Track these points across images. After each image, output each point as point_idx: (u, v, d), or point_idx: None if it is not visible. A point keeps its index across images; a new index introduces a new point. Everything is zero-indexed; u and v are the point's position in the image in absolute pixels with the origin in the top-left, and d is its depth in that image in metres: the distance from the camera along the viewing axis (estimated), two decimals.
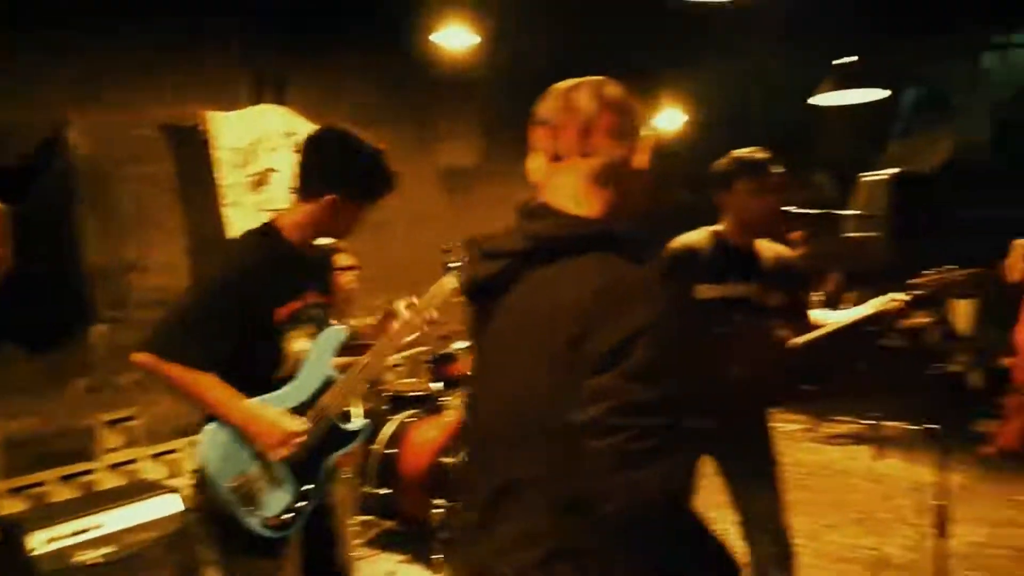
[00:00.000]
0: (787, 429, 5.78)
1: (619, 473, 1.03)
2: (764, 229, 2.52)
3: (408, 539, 3.67)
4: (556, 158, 1.25)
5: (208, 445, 1.93)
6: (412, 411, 3.86)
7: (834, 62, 5.09)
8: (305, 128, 4.29)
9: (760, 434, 2.55)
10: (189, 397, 1.90)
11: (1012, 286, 5.30)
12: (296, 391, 2.02)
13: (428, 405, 3.93)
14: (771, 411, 2.57)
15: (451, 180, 5.76)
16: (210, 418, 1.94)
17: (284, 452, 1.93)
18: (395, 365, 4.11)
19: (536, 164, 1.30)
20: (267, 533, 1.94)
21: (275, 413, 1.94)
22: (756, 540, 2.50)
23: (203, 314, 1.89)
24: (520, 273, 1.23)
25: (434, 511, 3.29)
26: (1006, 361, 5.37)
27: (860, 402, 5.73)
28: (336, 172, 1.99)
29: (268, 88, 4.30)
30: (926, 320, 5.67)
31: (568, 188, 1.26)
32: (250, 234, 2.04)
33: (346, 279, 4.22)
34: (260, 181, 4.02)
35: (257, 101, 4.19)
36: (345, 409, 2.12)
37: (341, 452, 2.10)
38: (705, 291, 2.41)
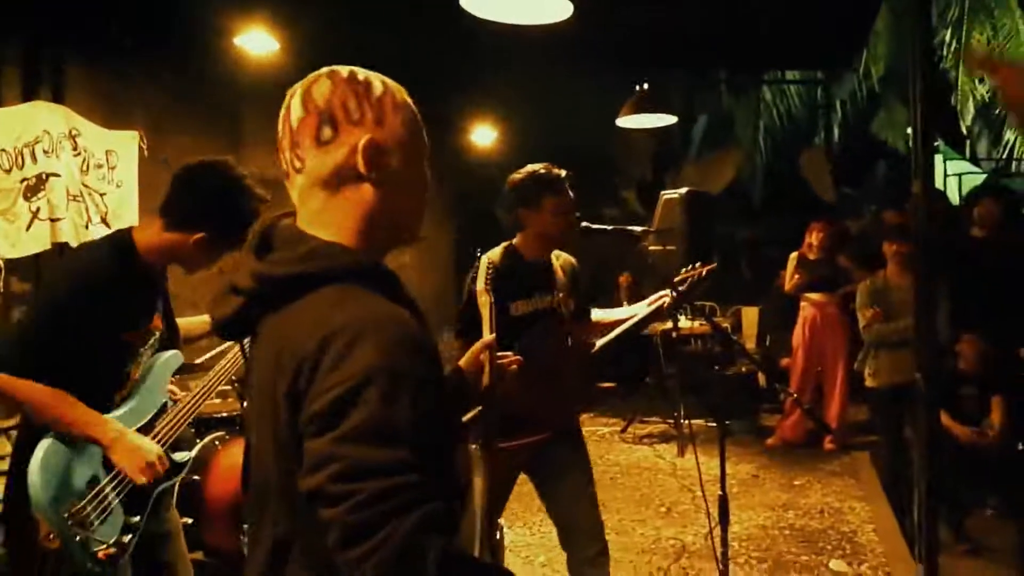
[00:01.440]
0: (601, 432, 6.11)
1: (352, 547, 0.89)
2: (560, 243, 2.63)
3: (216, 571, 3.45)
4: (286, 175, 1.10)
5: (41, 466, 1.74)
6: (217, 434, 3.64)
7: (636, 88, 5.52)
8: (89, 130, 3.94)
9: (573, 439, 2.66)
10: (42, 412, 1.77)
11: (787, 294, 5.98)
12: (133, 415, 1.93)
13: (235, 427, 3.73)
14: (582, 415, 2.69)
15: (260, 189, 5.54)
16: (32, 438, 1.78)
17: (147, 477, 1.84)
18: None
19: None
20: (95, 568, 1.79)
21: (139, 436, 1.86)
22: (572, 542, 2.60)
23: (46, 329, 1.79)
24: (257, 316, 1.06)
25: (244, 539, 3.12)
26: (784, 362, 6.05)
27: (665, 403, 6.17)
28: (213, 214, 1.88)
29: (43, 84, 3.89)
30: (707, 328, 6.22)
31: (301, 210, 1.09)
32: (104, 247, 1.91)
33: None
34: (35, 187, 3.61)
35: (30, 98, 3.77)
36: (175, 438, 2.03)
37: (171, 482, 2.03)
38: (519, 307, 2.50)
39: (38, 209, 3.61)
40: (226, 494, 3.29)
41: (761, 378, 6.81)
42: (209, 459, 3.42)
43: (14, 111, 3.60)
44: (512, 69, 6.04)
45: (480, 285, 2.06)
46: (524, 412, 2.45)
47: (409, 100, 1.14)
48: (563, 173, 2.53)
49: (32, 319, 1.87)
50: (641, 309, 2.78)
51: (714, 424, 6.01)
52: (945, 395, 3.73)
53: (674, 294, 2.67)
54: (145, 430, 1.93)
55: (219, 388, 2.18)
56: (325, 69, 1.10)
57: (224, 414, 3.82)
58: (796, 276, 5.88)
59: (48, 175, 3.66)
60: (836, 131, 9.00)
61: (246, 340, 1.17)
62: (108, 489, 1.84)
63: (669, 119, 5.77)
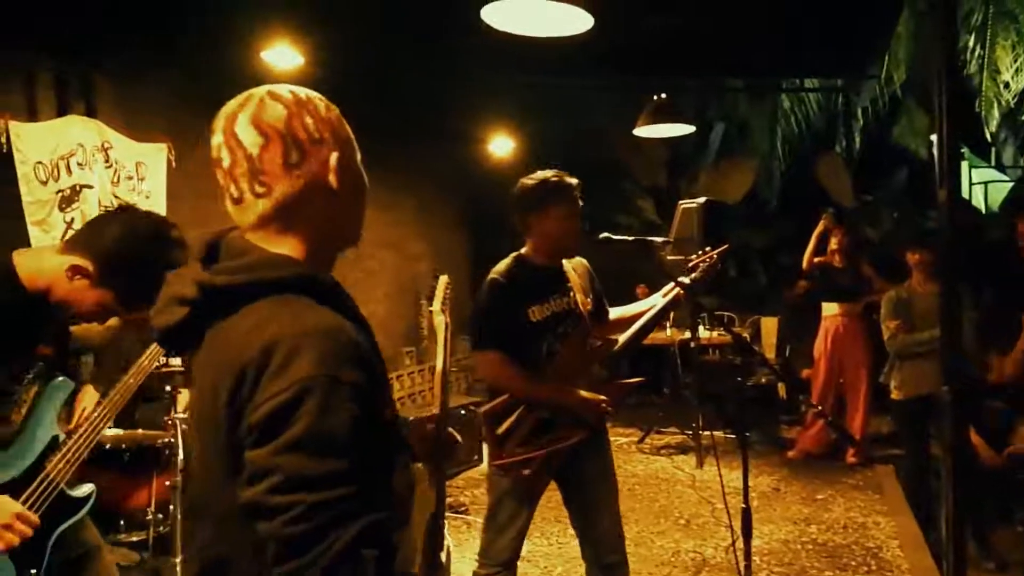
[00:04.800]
0: (619, 442, 6.07)
1: (285, 561, 0.90)
2: (569, 251, 2.63)
3: None
4: (236, 200, 1.08)
5: None
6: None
7: (654, 98, 5.50)
8: (120, 142, 4.01)
9: (602, 447, 2.65)
10: None
11: (805, 304, 5.92)
12: (16, 458, 1.74)
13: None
14: (608, 424, 2.68)
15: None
16: None
17: (12, 540, 1.62)
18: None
19: (224, 206, 1.13)
20: None
21: None
22: (592, 552, 2.59)
23: None
24: (201, 326, 1.05)
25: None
26: (805, 373, 5.98)
27: (682, 414, 6.12)
28: (113, 267, 1.68)
29: (76, 98, 3.96)
30: (726, 338, 6.17)
31: (252, 232, 1.09)
32: None
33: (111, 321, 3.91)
34: (69, 198, 3.68)
35: (64, 112, 3.84)
36: (70, 473, 1.83)
37: (71, 521, 1.85)
38: (536, 312, 2.51)
39: (72, 220, 3.67)
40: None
41: (781, 389, 6.74)
42: None
43: (50, 125, 3.68)
44: (529, 79, 6.05)
45: (436, 306, 2.07)
46: (556, 414, 2.46)
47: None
48: (573, 181, 2.55)
49: None
50: (658, 300, 2.76)
51: (733, 435, 5.96)
52: (971, 408, 3.66)
53: (689, 280, 2.66)
54: (34, 472, 1.75)
55: (120, 406, 1.97)
56: (259, 91, 1.10)
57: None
58: (802, 284, 5.82)
59: (82, 187, 3.73)
60: (856, 138, 8.91)
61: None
62: None
63: (686, 128, 5.74)
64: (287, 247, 1.07)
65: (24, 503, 1.70)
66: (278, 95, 1.09)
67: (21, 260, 1.71)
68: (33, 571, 1.73)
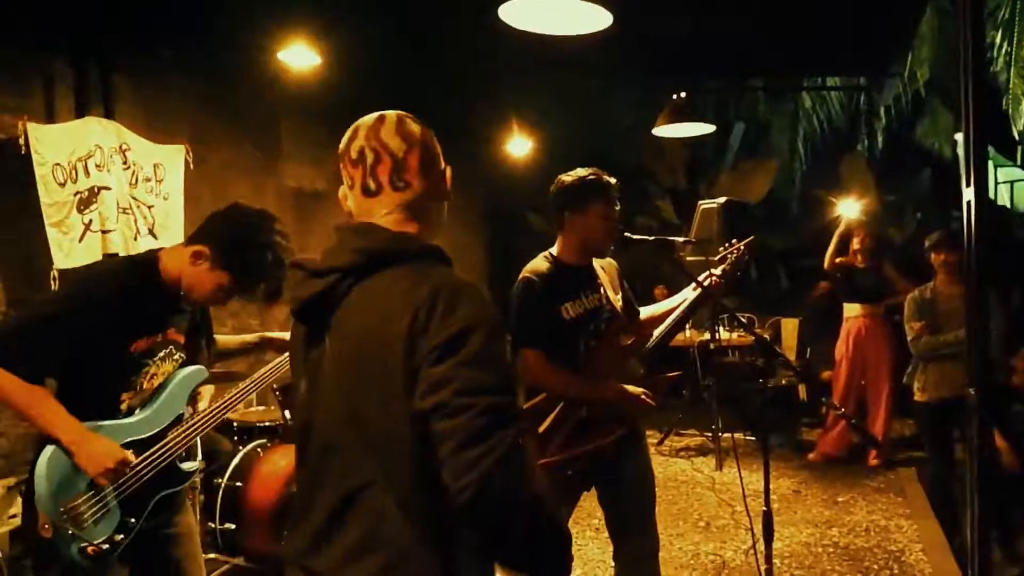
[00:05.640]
0: None
1: (470, 448, 1.10)
2: (601, 251, 2.63)
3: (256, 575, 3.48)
4: (368, 192, 1.35)
5: (47, 464, 1.85)
6: (260, 442, 3.68)
7: (673, 97, 5.47)
8: (138, 144, 4.04)
9: (639, 449, 2.66)
10: (14, 406, 1.87)
11: (826, 304, 5.86)
12: (146, 423, 2.03)
13: (277, 435, 3.78)
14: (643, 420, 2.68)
15: (298, 203, 5.61)
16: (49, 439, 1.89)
17: (106, 480, 1.89)
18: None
19: (347, 196, 1.40)
20: (83, 562, 1.87)
21: (105, 441, 1.90)
22: (627, 554, 2.62)
23: (46, 327, 1.88)
24: (349, 288, 1.28)
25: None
26: (825, 375, 5.92)
27: (703, 416, 6.08)
28: (242, 263, 2.01)
29: (94, 100, 4.00)
30: (746, 339, 6.12)
31: (383, 217, 1.34)
32: (125, 261, 2.15)
33: None
34: (87, 200, 3.71)
35: (82, 114, 3.88)
36: (189, 447, 2.12)
37: (173, 490, 2.10)
38: (569, 309, 2.51)
39: (90, 221, 3.71)
40: (267, 500, 3.33)
41: (802, 391, 6.67)
42: (251, 466, 3.47)
43: (69, 127, 3.70)
44: (548, 78, 6.04)
45: None
46: (594, 412, 2.45)
47: None
48: (612, 181, 2.55)
49: (28, 316, 1.97)
50: (688, 293, 2.74)
51: (752, 438, 5.91)
52: (997, 411, 3.60)
53: (720, 272, 2.64)
54: (157, 438, 2.04)
55: (247, 399, 2.29)
56: (391, 112, 1.38)
57: (267, 423, 3.87)
58: (823, 284, 5.72)
59: (100, 188, 3.76)
60: (879, 138, 8.80)
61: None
62: (108, 490, 1.92)
63: (706, 128, 5.70)
64: (411, 232, 1.34)
65: (144, 460, 1.98)
66: (410, 116, 1.39)
67: (163, 255, 2.05)
68: (132, 519, 1.97)
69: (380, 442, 1.22)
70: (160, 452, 2.02)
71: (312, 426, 1.32)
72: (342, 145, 1.38)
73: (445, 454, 1.12)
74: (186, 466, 2.15)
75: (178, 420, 2.10)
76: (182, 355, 2.14)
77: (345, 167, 1.38)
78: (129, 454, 1.93)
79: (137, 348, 1.99)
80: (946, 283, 4.18)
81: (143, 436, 2.01)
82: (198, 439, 2.18)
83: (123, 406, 2.00)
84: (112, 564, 1.96)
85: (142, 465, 1.98)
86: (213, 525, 3.40)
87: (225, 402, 2.20)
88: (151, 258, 2.05)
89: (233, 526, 3.39)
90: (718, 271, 2.67)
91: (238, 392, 2.25)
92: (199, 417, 2.13)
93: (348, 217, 1.41)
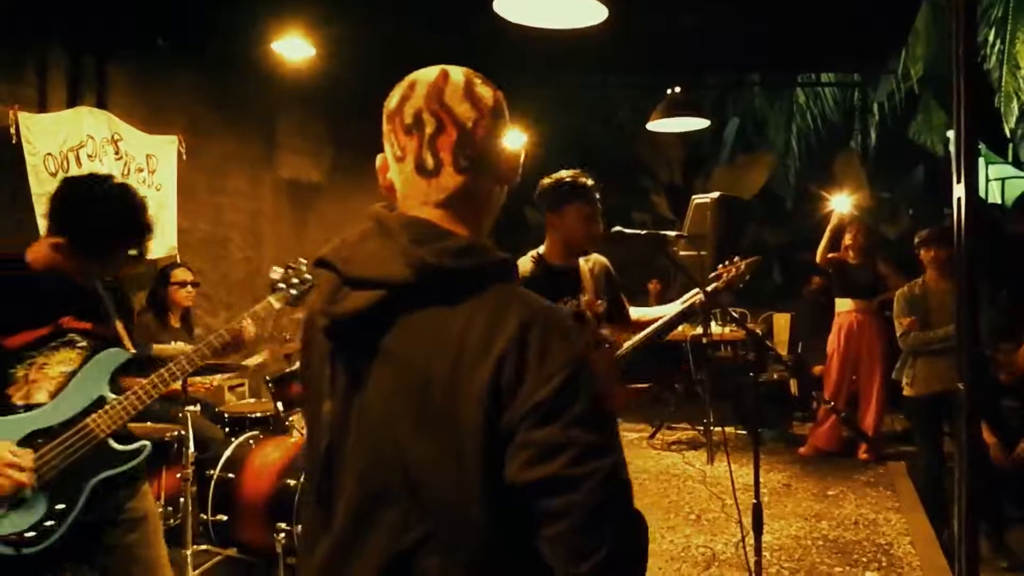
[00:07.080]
0: (630, 437, 6.07)
1: (590, 531, 0.94)
2: (583, 251, 2.64)
3: (250, 567, 3.49)
4: (425, 170, 1.04)
5: None
6: (252, 433, 3.69)
7: (668, 92, 5.48)
8: (131, 134, 4.02)
9: None
10: None
11: (819, 300, 5.88)
12: (54, 411, 1.99)
13: (270, 426, 3.79)
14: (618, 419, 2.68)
15: (294, 194, 5.61)
16: None
17: (2, 484, 1.84)
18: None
19: (394, 171, 1.07)
20: (5, 550, 1.87)
21: None
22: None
23: None
24: (401, 307, 0.99)
25: (277, 536, 3.15)
26: (817, 369, 5.95)
27: (694, 410, 6.11)
28: (74, 221, 1.99)
29: (88, 90, 3.98)
30: (738, 334, 6.14)
31: (436, 209, 1.05)
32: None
33: (182, 295, 3.99)
34: None
35: (74, 103, 3.86)
36: (120, 428, 2.07)
37: (113, 472, 2.05)
38: None
39: None
40: (259, 492, 3.33)
41: (793, 385, 6.71)
42: (243, 458, 3.47)
43: (60, 116, 3.69)
44: (543, 72, 6.04)
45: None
46: None
47: None
48: (590, 182, 2.56)
49: None
50: (674, 308, 2.75)
51: (744, 432, 5.94)
52: (986, 406, 3.63)
53: (711, 289, 2.65)
54: (70, 424, 1.99)
55: (178, 379, 2.18)
56: (456, 69, 1.06)
57: (258, 414, 3.87)
58: (816, 279, 5.73)
59: None
60: (873, 134, 8.83)
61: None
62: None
63: (701, 123, 5.71)
64: (467, 228, 1.05)
65: (55, 447, 1.94)
66: (480, 76, 1.08)
67: (28, 250, 2.01)
68: (63, 506, 1.93)
69: (446, 503, 0.98)
70: (78, 436, 1.97)
71: (342, 458, 1.05)
72: (392, 102, 1.06)
73: (553, 535, 0.94)
74: (124, 446, 2.08)
75: (98, 403, 2.04)
76: (91, 341, 2.07)
77: (395, 131, 1.05)
78: (8, 454, 1.87)
79: (13, 344, 1.95)
80: (936, 279, 4.21)
81: (51, 425, 1.97)
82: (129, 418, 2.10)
83: (16, 400, 1.96)
84: (57, 554, 1.93)
85: (53, 453, 1.93)
86: (205, 517, 3.41)
87: (150, 382, 2.12)
88: (18, 256, 2.03)
89: (225, 518, 3.39)
90: (710, 288, 2.66)
91: (167, 370, 2.16)
92: (125, 396, 2.07)
93: (387, 192, 1.10)
